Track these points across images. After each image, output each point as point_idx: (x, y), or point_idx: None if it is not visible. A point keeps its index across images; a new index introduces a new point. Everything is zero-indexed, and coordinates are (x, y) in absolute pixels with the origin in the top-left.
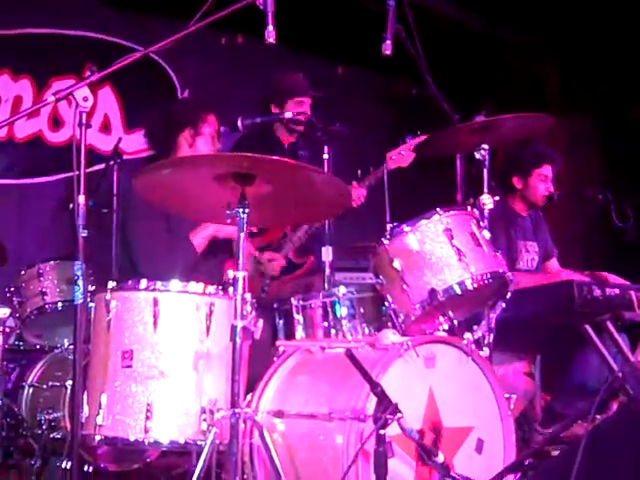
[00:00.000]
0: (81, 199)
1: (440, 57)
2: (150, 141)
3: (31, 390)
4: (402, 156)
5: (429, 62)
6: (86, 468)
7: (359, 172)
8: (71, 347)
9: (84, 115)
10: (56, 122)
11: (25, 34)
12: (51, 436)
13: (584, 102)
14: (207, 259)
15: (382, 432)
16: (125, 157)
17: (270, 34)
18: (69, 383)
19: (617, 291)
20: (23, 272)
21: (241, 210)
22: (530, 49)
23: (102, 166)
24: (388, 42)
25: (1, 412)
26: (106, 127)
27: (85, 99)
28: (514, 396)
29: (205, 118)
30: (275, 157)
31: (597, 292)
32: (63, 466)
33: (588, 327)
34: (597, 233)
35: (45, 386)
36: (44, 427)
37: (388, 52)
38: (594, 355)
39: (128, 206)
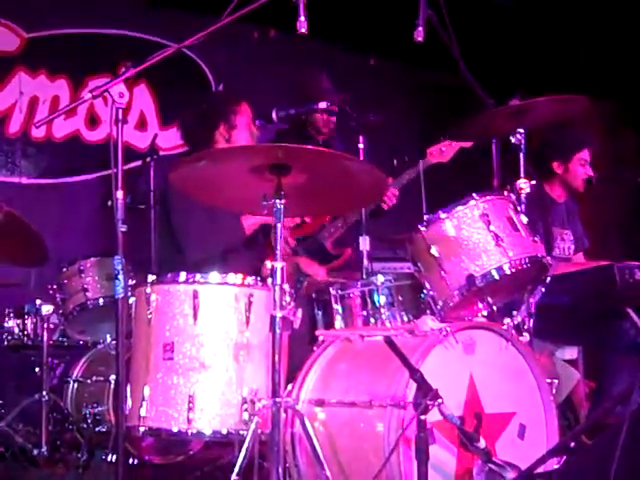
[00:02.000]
0: (119, 194)
1: (471, 43)
2: (187, 142)
3: (76, 385)
4: (442, 152)
5: (461, 48)
6: (131, 461)
7: (394, 162)
8: (113, 342)
9: (120, 111)
10: (93, 121)
11: (60, 34)
12: (96, 430)
13: (616, 84)
14: (248, 250)
15: (423, 418)
16: (161, 153)
17: (302, 24)
18: (112, 377)
19: None
20: (65, 269)
21: (278, 200)
22: (561, 32)
23: (139, 163)
24: (420, 29)
25: (47, 407)
26: (142, 124)
27: (121, 95)
28: (556, 381)
29: (236, 110)
30: (310, 146)
31: (639, 275)
32: (109, 459)
33: (630, 311)
34: (636, 217)
35: (89, 381)
36: (89, 421)
37: (420, 38)
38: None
39: (169, 197)
